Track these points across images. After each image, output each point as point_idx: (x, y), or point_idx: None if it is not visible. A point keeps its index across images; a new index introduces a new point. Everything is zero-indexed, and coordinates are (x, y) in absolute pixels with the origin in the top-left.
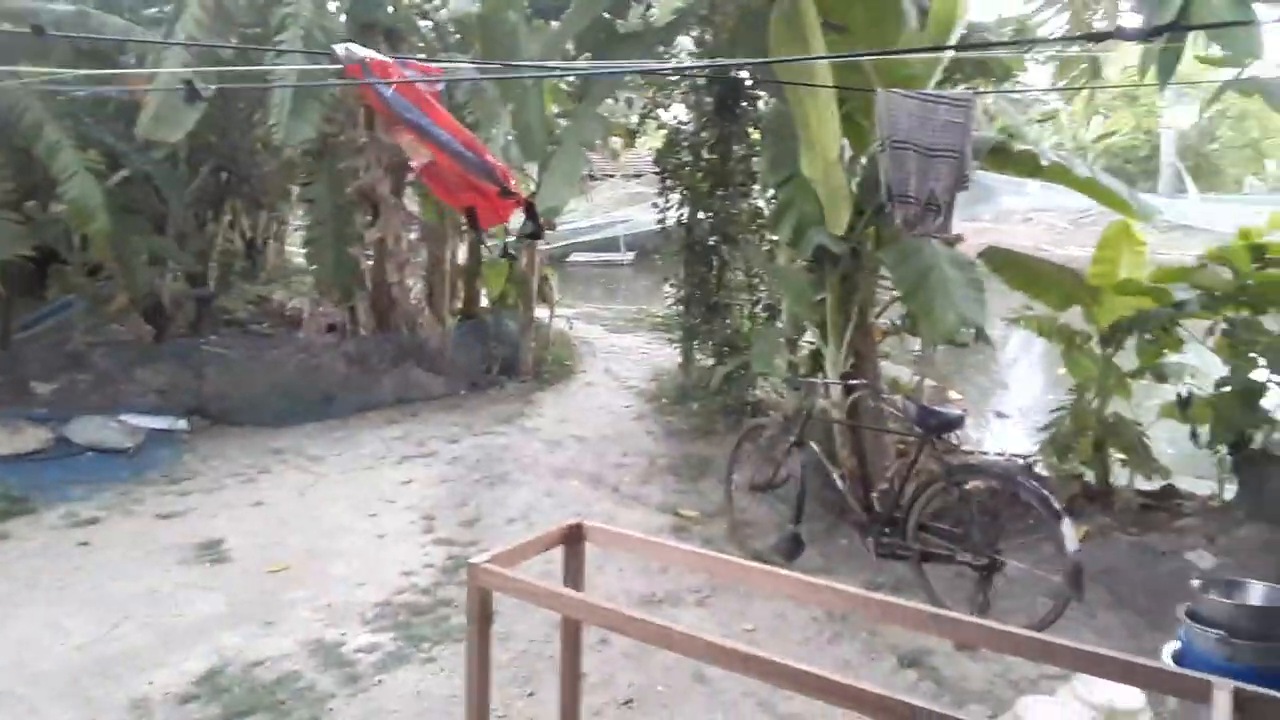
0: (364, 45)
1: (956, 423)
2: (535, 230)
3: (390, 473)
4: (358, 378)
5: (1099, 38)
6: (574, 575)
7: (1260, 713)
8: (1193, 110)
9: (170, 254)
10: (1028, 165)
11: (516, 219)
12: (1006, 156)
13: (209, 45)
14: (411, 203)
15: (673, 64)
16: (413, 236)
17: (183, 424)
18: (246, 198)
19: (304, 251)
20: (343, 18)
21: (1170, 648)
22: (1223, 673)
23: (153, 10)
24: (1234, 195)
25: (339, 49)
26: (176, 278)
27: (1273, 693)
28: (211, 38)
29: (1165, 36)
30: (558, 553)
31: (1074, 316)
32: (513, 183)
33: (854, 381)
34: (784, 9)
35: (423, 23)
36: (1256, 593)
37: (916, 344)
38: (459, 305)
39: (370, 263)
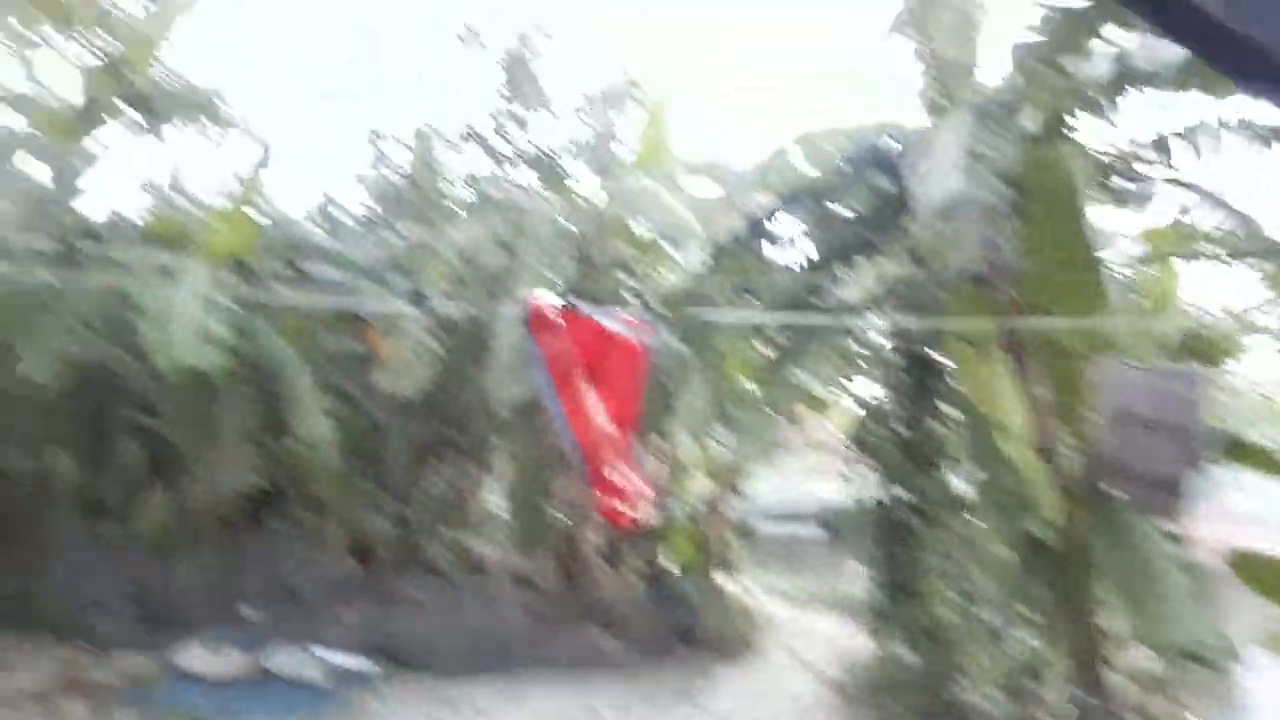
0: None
1: None
2: None
3: None
4: (537, 633)
5: None
6: None
7: None
8: None
9: (383, 496)
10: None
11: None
12: (1240, 449)
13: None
14: None
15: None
16: None
17: (369, 665)
18: (458, 449)
19: (501, 502)
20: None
21: None
22: None
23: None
24: None
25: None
26: (385, 519)
27: None
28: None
29: None
30: None
31: None
32: (624, 515)
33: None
34: (961, 296)
35: (632, 298)
36: None
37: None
38: (642, 566)
39: (562, 517)
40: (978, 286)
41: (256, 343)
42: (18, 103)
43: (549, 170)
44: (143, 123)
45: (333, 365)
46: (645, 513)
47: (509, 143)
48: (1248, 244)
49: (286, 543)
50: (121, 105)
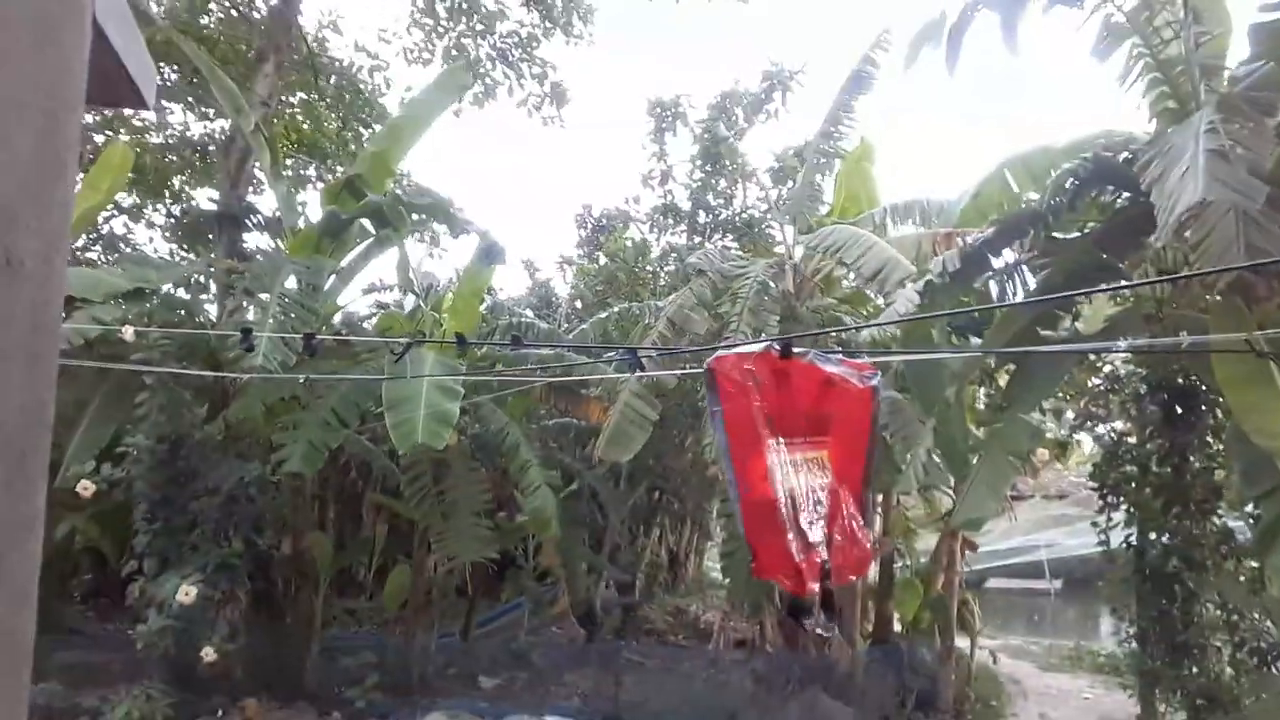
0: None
1: None
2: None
3: None
4: (763, 699)
5: None
6: None
7: None
8: None
9: (605, 563)
10: None
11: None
12: None
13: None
14: None
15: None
16: None
17: None
18: (673, 514)
19: (719, 565)
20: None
21: None
22: None
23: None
24: None
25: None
26: (608, 586)
27: None
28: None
29: None
30: None
31: None
32: (793, 581)
33: None
34: (1223, 311)
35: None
36: None
37: None
38: (869, 627)
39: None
40: (1243, 296)
41: (483, 421)
42: (268, 225)
43: (748, 232)
44: (376, 232)
45: (553, 438)
46: (862, 570)
47: (709, 212)
48: None
49: (518, 611)
50: (364, 221)
